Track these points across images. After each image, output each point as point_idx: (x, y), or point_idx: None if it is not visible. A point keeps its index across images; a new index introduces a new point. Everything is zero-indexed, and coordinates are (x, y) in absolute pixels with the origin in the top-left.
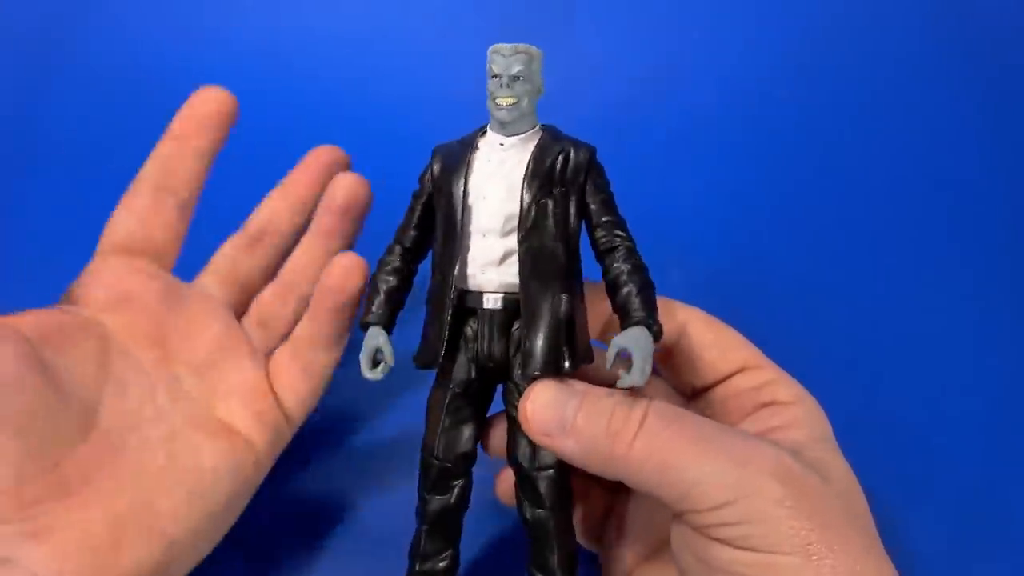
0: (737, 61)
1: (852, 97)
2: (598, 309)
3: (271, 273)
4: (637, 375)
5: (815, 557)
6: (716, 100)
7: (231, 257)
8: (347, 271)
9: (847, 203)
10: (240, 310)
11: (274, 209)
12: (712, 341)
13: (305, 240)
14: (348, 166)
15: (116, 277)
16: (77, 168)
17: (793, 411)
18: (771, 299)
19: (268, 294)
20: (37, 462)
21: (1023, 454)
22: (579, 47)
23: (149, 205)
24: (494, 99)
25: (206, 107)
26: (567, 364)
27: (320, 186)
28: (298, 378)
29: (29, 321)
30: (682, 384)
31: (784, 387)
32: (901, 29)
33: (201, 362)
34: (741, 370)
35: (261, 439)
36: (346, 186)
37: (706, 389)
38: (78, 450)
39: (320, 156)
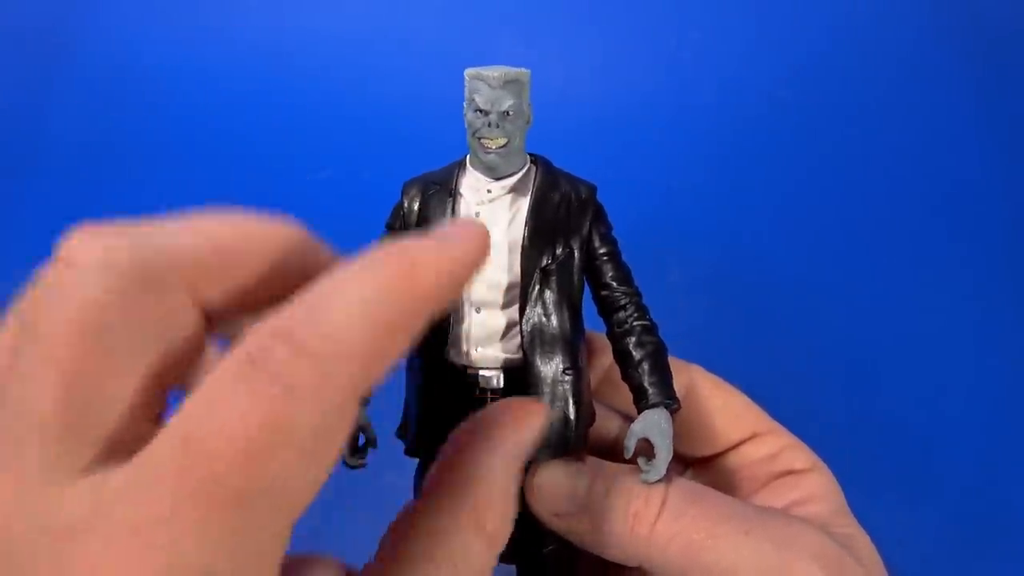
0: (737, 61)
1: (852, 97)
2: (595, 363)
3: None
4: (662, 467)
5: None
6: (716, 100)
7: None
8: None
9: (847, 203)
10: None
11: None
12: (720, 405)
13: None
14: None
15: None
16: (77, 168)
17: (811, 481)
18: (771, 299)
19: None
20: None
21: (1023, 454)
22: (580, 45)
23: None
24: (479, 139)
25: None
26: (572, 441)
27: None
28: None
29: None
30: (684, 452)
31: (799, 455)
32: (901, 29)
33: None
34: (752, 437)
35: None
36: None
37: (711, 457)
38: None
39: None
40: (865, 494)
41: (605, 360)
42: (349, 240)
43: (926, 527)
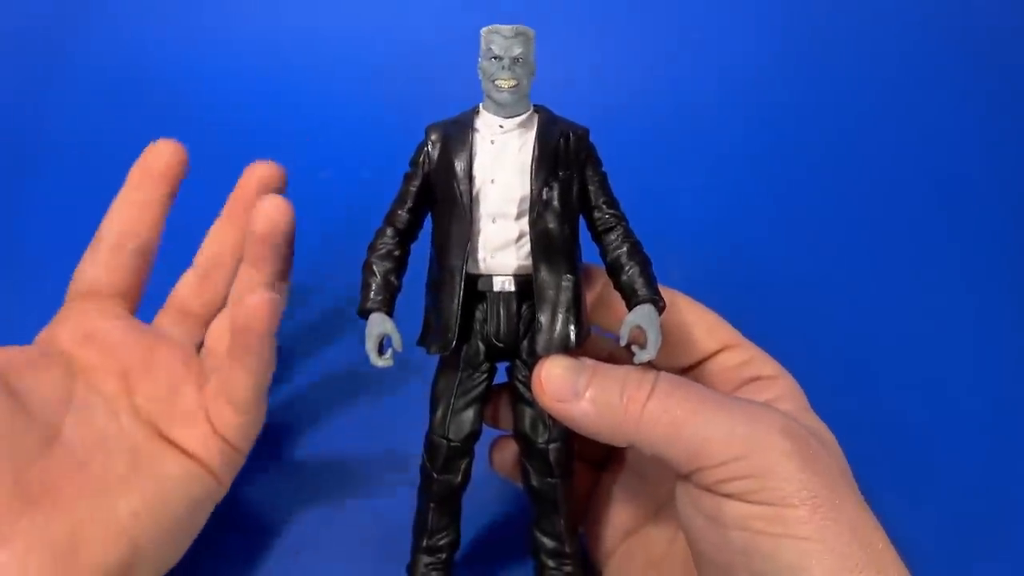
0: (737, 59)
1: (853, 96)
2: (590, 288)
3: (222, 302)
4: (652, 349)
5: (821, 509)
6: (716, 99)
7: (184, 296)
8: (254, 310)
9: (848, 202)
10: (200, 341)
11: (219, 240)
12: (697, 320)
13: (241, 270)
14: (282, 181)
15: (82, 318)
16: (78, 168)
17: (779, 385)
18: (772, 299)
19: (217, 322)
20: (0, 472)
21: (1023, 454)
22: (579, 44)
23: (111, 256)
24: (493, 81)
25: (159, 160)
26: (574, 340)
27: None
28: (226, 411)
29: None
30: (668, 363)
31: (766, 363)
32: (901, 28)
33: (158, 392)
34: (725, 348)
35: (210, 461)
36: (264, 214)
37: (690, 368)
38: (41, 463)
39: (255, 174)
40: (865, 494)
41: (598, 286)
42: (348, 239)
43: (926, 527)
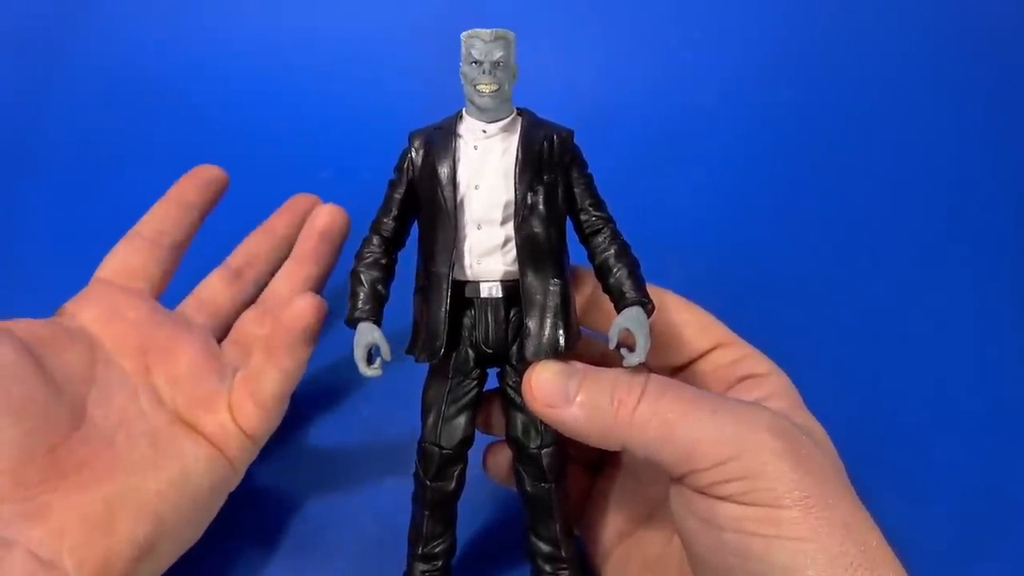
0: (737, 59)
1: (853, 96)
2: (580, 291)
3: (250, 302)
4: (642, 352)
5: (814, 509)
6: (716, 99)
7: (212, 289)
8: (303, 311)
9: (848, 202)
10: (220, 335)
11: (254, 246)
12: (688, 320)
13: (285, 266)
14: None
15: (107, 295)
16: (78, 168)
17: (771, 382)
18: (771, 299)
19: (248, 316)
20: (34, 446)
21: (1023, 454)
22: (578, 45)
23: (144, 246)
24: (475, 86)
25: (206, 175)
26: (563, 344)
27: (298, 227)
28: (248, 404)
29: (21, 326)
30: (659, 362)
31: (759, 361)
32: (901, 28)
33: (178, 375)
34: (717, 346)
35: (227, 447)
36: (326, 212)
37: (683, 367)
38: (71, 438)
39: (298, 202)
40: (864, 494)
41: (588, 288)
42: (349, 238)
43: (926, 527)
